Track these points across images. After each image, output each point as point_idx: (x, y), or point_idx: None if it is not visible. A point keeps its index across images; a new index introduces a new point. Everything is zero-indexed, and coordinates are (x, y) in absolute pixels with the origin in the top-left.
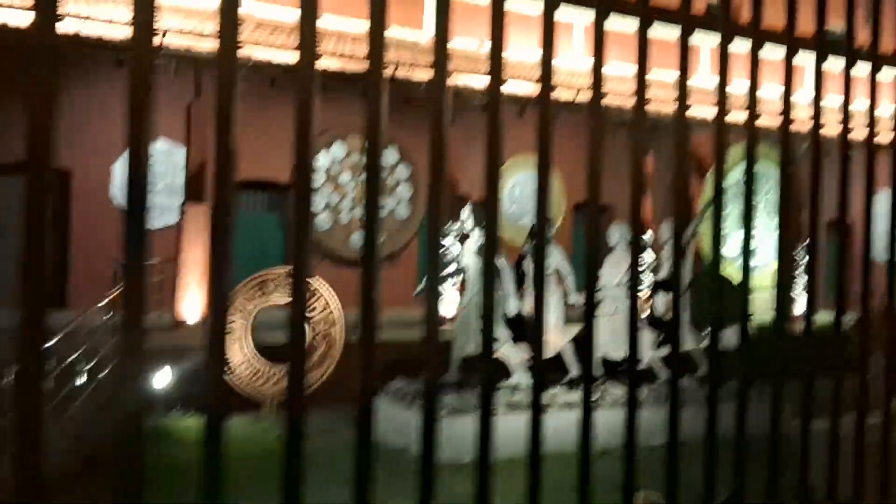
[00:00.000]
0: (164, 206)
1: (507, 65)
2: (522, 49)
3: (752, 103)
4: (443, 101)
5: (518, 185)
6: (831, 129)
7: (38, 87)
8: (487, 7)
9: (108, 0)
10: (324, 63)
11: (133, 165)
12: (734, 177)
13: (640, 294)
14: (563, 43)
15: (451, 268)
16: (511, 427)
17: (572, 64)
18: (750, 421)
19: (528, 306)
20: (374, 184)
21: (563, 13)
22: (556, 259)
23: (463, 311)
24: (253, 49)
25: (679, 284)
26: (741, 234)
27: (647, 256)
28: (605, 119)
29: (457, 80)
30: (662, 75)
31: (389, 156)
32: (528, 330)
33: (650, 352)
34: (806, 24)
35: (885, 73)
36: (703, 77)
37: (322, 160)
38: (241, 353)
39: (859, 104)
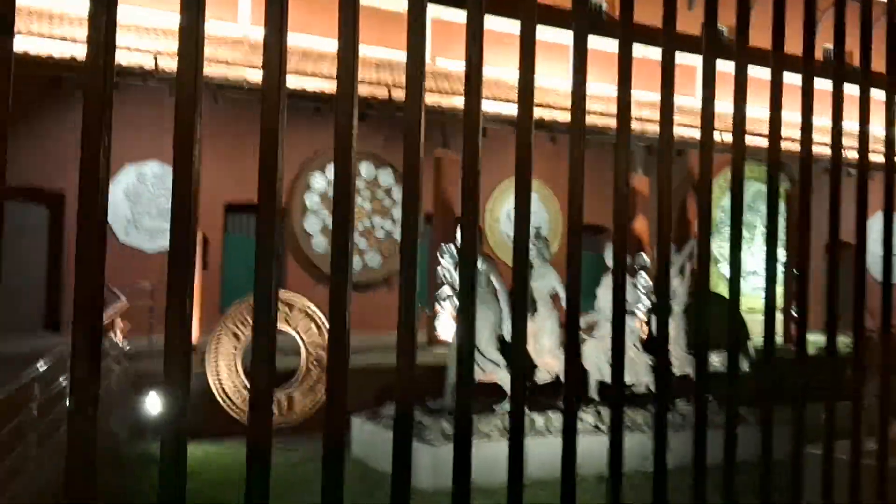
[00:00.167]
0: (158, 229)
1: (500, 86)
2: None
3: (739, 123)
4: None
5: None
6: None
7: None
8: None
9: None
10: (319, 85)
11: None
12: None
13: (637, 316)
14: (561, 64)
15: (447, 290)
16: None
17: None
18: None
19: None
20: (345, 207)
21: (556, 34)
22: (553, 281)
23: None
24: (246, 71)
25: (665, 306)
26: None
27: (646, 279)
28: (585, 140)
29: (450, 102)
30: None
31: (386, 178)
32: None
33: (648, 375)
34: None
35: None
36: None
37: (318, 183)
38: (230, 379)
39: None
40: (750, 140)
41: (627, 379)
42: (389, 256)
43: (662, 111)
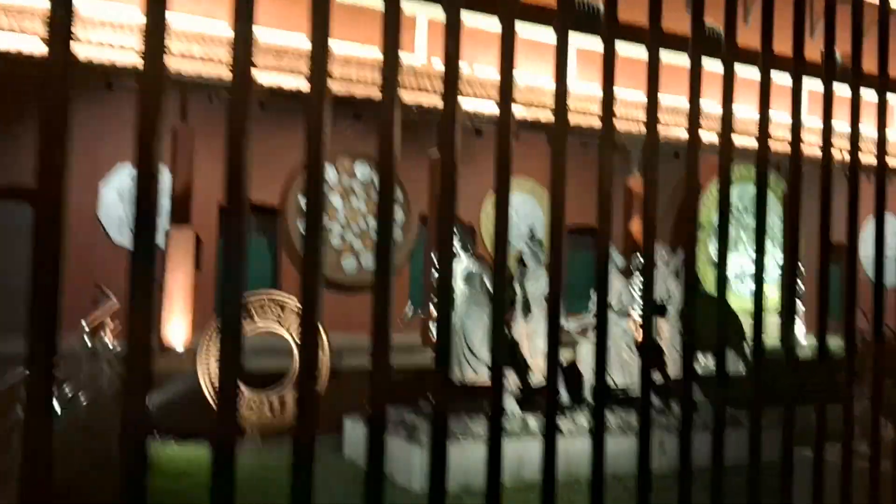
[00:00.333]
0: None
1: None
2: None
3: (726, 124)
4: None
5: (511, 209)
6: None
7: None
8: (471, 30)
9: (95, 24)
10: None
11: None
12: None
13: (633, 317)
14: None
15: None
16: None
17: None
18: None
19: (518, 331)
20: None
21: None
22: (546, 283)
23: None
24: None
25: (650, 307)
26: (738, 256)
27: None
28: (567, 140)
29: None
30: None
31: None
32: (517, 355)
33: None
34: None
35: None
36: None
37: None
38: None
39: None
40: (749, 141)
41: (622, 380)
42: None
43: (648, 111)
